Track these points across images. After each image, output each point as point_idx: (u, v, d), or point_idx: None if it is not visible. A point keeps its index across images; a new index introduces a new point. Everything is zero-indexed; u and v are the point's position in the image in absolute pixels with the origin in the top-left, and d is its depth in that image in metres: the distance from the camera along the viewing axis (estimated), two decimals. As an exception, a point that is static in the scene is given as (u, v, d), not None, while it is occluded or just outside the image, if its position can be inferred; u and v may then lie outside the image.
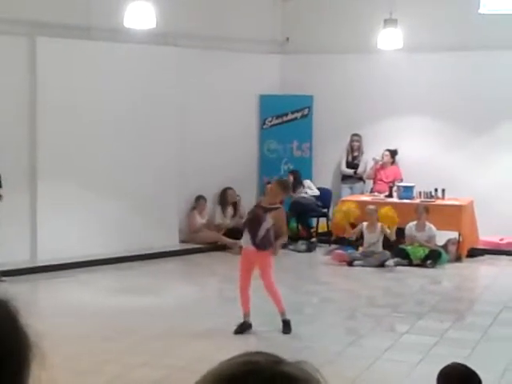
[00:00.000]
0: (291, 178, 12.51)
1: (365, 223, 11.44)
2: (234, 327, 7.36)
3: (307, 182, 12.59)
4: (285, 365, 0.94)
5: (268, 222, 7.36)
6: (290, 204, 12.50)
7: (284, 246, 12.32)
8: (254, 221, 7.40)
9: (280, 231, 7.57)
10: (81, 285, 9.71)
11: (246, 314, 7.48)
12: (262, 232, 7.34)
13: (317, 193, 12.59)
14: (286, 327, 7.49)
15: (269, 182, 12.84)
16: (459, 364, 3.43)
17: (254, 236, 7.35)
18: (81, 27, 10.75)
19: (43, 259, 10.34)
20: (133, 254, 11.02)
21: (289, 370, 0.93)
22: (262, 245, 7.37)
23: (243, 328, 7.40)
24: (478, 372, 3.35)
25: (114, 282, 9.93)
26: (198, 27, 11.99)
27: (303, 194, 12.50)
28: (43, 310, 8.13)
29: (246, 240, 7.49)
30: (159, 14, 9.39)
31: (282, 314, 7.59)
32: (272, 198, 7.69)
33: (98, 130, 10.89)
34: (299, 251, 12.09)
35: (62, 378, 5.13)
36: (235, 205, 12.44)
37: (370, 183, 12.85)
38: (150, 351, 6.89)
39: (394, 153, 12.47)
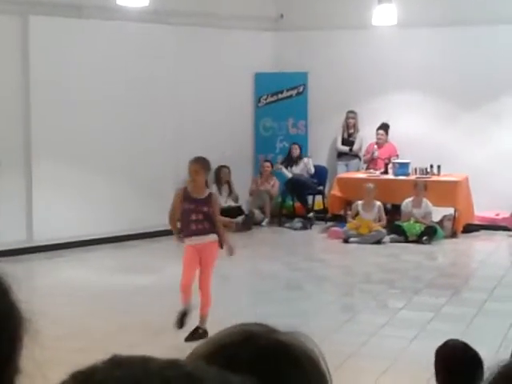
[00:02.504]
0: (297, 150, 12.55)
1: (360, 202, 11.43)
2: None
3: (306, 160, 12.60)
4: (280, 333, 0.95)
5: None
6: (287, 181, 12.52)
7: (280, 224, 12.43)
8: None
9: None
10: (77, 264, 9.72)
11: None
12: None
13: (311, 171, 12.60)
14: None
15: (266, 160, 12.88)
16: (459, 341, 3.39)
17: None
18: (73, 5, 10.67)
19: (39, 239, 10.34)
20: (129, 233, 11.02)
21: (284, 338, 0.94)
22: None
23: (183, 317, 6.72)
24: (474, 347, 3.35)
25: (111, 261, 9.94)
26: (190, 4, 11.90)
27: (299, 171, 12.51)
28: (39, 290, 8.13)
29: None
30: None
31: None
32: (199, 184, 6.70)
33: (92, 109, 10.84)
34: (295, 229, 12.12)
35: (57, 356, 5.13)
36: (230, 183, 12.44)
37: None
38: (148, 330, 6.91)
39: (387, 128, 12.45)
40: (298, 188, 12.48)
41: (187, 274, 6.73)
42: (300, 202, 12.64)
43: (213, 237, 6.71)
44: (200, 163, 6.66)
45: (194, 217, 6.66)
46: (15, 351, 1.07)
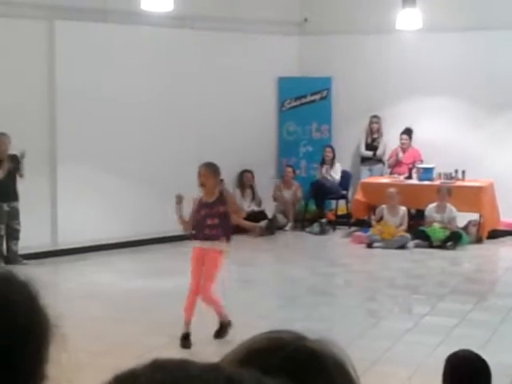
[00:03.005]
0: (331, 153, 12.53)
1: (385, 206, 11.38)
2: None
3: (337, 166, 12.59)
4: (309, 340, 0.97)
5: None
6: (311, 184, 12.49)
7: (303, 228, 12.39)
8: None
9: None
10: (101, 268, 9.76)
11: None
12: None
13: (337, 179, 12.55)
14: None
15: (288, 166, 12.86)
16: (470, 352, 3.34)
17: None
18: (98, 10, 10.73)
19: (64, 242, 10.41)
20: (152, 236, 11.05)
21: (313, 345, 0.95)
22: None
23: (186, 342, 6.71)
24: (499, 354, 3.31)
25: (134, 265, 9.98)
26: (214, 9, 11.93)
27: (328, 176, 12.48)
28: (63, 293, 8.18)
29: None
30: (176, -4, 9.32)
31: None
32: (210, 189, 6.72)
33: (116, 113, 10.90)
34: (314, 233, 12.06)
35: (81, 359, 5.16)
36: (253, 187, 12.43)
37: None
38: (169, 333, 6.92)
39: (410, 132, 12.38)
40: (320, 192, 12.44)
41: (195, 280, 6.77)
42: (318, 206, 12.58)
43: (219, 245, 6.70)
44: (208, 168, 6.70)
45: (209, 221, 6.68)
46: (43, 357, 1.08)
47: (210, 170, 6.68)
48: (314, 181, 12.51)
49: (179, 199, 6.75)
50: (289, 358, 0.92)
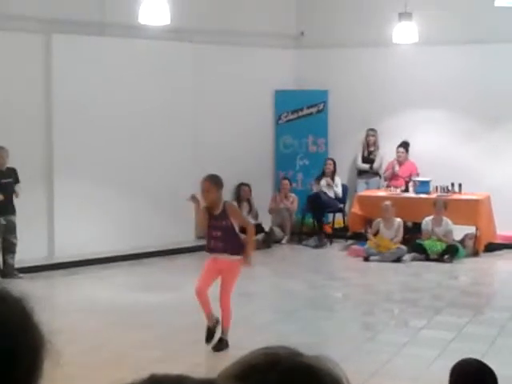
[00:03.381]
0: (331, 165, 12.54)
1: (380, 219, 11.38)
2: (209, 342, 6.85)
3: (337, 179, 12.61)
4: (305, 357, 0.97)
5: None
6: (308, 197, 12.49)
7: (300, 242, 12.38)
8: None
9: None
10: (97, 281, 9.74)
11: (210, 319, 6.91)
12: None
13: (338, 193, 12.54)
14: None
15: (285, 178, 12.87)
16: (474, 360, 3.38)
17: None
18: (96, 24, 10.77)
19: (60, 256, 10.39)
20: (149, 250, 11.04)
21: (309, 361, 0.95)
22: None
23: (209, 335, 6.86)
24: (496, 367, 3.30)
25: (131, 278, 9.95)
26: (212, 23, 11.98)
27: (325, 189, 12.48)
28: (60, 306, 8.16)
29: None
30: (173, 10, 9.36)
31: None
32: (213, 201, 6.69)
33: (113, 126, 10.91)
34: (312, 247, 12.06)
35: (77, 372, 5.14)
36: (250, 201, 12.43)
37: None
38: (166, 347, 6.90)
39: (407, 145, 12.41)
40: (317, 205, 12.43)
41: (203, 280, 6.76)
42: (316, 219, 12.57)
43: (232, 258, 6.70)
44: (211, 180, 6.67)
45: (214, 233, 6.70)
46: (37, 374, 1.07)
47: (212, 183, 6.65)
48: (311, 194, 12.51)
49: (195, 200, 6.68)
50: (285, 373, 0.92)
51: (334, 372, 0.96)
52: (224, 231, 6.66)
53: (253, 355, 0.97)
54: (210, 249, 6.80)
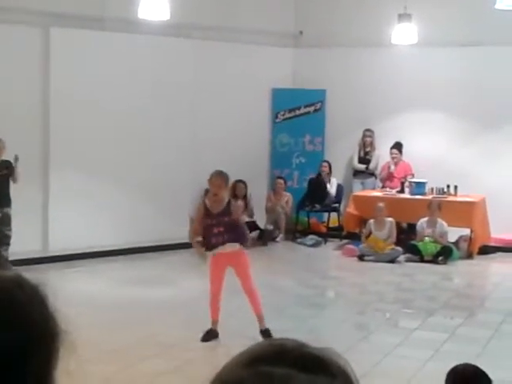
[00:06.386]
0: (327, 168, 12.57)
1: (372, 221, 11.39)
2: (201, 334, 6.94)
3: (333, 180, 12.65)
4: (312, 348, 0.97)
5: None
6: (310, 179, 12.55)
7: (294, 240, 12.39)
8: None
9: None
10: (92, 275, 9.72)
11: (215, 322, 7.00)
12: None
13: (332, 193, 12.58)
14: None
15: (279, 177, 12.87)
16: (470, 364, 3.40)
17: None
18: (95, 18, 10.75)
19: (54, 249, 10.37)
20: (144, 245, 11.03)
21: (316, 351, 0.96)
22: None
23: (210, 336, 6.93)
24: (490, 369, 3.31)
25: (125, 273, 9.94)
26: (211, 19, 11.96)
27: (333, 190, 12.56)
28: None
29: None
30: (173, 6, 9.35)
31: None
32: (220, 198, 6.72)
33: (111, 121, 10.89)
34: (307, 245, 12.07)
35: (69, 366, 5.13)
36: (246, 198, 12.43)
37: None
38: (161, 343, 6.89)
39: (400, 146, 12.43)
40: (318, 185, 12.42)
41: (213, 284, 6.85)
42: (312, 202, 12.53)
43: (236, 246, 6.72)
44: (223, 178, 6.69)
45: (215, 230, 6.70)
46: (53, 363, 1.07)
47: (222, 180, 6.68)
48: (313, 177, 12.52)
49: (192, 221, 6.80)
50: (294, 362, 0.92)
51: (341, 363, 0.97)
52: (227, 226, 6.68)
53: (258, 346, 0.97)
54: (211, 246, 6.77)
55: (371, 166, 12.76)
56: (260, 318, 6.88)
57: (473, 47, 11.89)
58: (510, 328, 7.72)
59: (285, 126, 13.18)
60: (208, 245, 6.81)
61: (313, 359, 0.94)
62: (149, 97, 11.21)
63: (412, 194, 11.89)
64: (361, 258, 11.10)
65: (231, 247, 6.74)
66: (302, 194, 12.61)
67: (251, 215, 12.38)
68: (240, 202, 12.29)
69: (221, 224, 6.67)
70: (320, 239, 12.26)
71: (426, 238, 11.14)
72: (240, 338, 6.74)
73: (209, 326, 6.97)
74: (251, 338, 6.75)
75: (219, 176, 6.70)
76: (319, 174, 12.58)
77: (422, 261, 11.01)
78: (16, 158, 9.52)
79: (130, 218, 11.12)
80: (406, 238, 11.52)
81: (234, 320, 7.40)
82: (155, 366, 6.29)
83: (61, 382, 1.09)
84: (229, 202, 6.76)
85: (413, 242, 11.22)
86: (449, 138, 12.36)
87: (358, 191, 12.49)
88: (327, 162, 12.72)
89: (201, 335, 6.93)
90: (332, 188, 12.63)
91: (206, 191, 11.96)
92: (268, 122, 13.19)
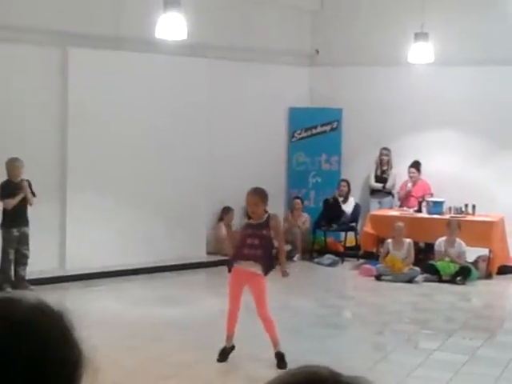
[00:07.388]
0: (346, 187, 12.54)
1: (390, 240, 11.31)
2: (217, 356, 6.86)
3: (350, 200, 12.61)
4: (345, 377, 0.95)
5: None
6: (325, 201, 12.50)
7: (309, 259, 12.34)
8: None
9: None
10: (108, 295, 9.71)
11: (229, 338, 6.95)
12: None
13: (348, 212, 12.52)
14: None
15: (297, 197, 12.83)
16: None
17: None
18: (112, 38, 10.81)
19: (72, 269, 10.38)
20: (161, 265, 11.01)
21: (350, 380, 0.93)
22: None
23: (225, 354, 6.88)
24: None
25: (142, 293, 9.92)
26: (227, 39, 12.01)
27: (350, 210, 12.51)
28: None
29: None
30: (189, 26, 9.40)
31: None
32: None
33: (128, 141, 10.93)
34: (325, 265, 12.02)
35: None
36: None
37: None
38: (178, 363, 6.85)
39: (418, 165, 12.37)
40: (334, 207, 12.38)
41: (231, 302, 6.82)
42: (328, 223, 12.48)
43: (259, 268, 6.68)
44: (259, 195, 6.70)
45: (249, 241, 6.67)
46: None
47: (260, 198, 6.69)
48: (329, 198, 12.48)
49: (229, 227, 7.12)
50: None
51: None
52: (262, 239, 6.68)
53: (291, 375, 0.94)
54: (241, 255, 6.71)
55: (388, 184, 12.71)
56: (275, 343, 6.81)
57: (489, 66, 11.85)
58: (530, 349, 7.62)
59: (301, 144, 13.17)
60: (238, 254, 6.75)
61: None
62: (165, 116, 11.25)
63: (429, 213, 11.81)
64: (378, 277, 11.01)
65: (254, 268, 6.67)
66: (319, 213, 12.57)
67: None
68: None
69: (256, 237, 6.66)
70: (337, 259, 12.21)
71: (445, 258, 11.04)
72: (256, 360, 6.70)
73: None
74: (267, 361, 6.71)
75: (255, 193, 6.71)
76: (334, 197, 12.52)
77: (441, 281, 10.91)
78: (29, 184, 9.57)
79: (146, 237, 11.12)
80: (424, 257, 11.43)
81: (251, 342, 7.35)
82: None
83: None
84: (268, 216, 6.75)
85: (431, 262, 11.13)
86: (467, 157, 12.29)
87: (375, 210, 12.43)
88: (346, 181, 12.67)
89: (216, 356, 6.88)
90: (348, 207, 12.58)
91: (224, 209, 12.05)
92: (284, 141, 13.18)
